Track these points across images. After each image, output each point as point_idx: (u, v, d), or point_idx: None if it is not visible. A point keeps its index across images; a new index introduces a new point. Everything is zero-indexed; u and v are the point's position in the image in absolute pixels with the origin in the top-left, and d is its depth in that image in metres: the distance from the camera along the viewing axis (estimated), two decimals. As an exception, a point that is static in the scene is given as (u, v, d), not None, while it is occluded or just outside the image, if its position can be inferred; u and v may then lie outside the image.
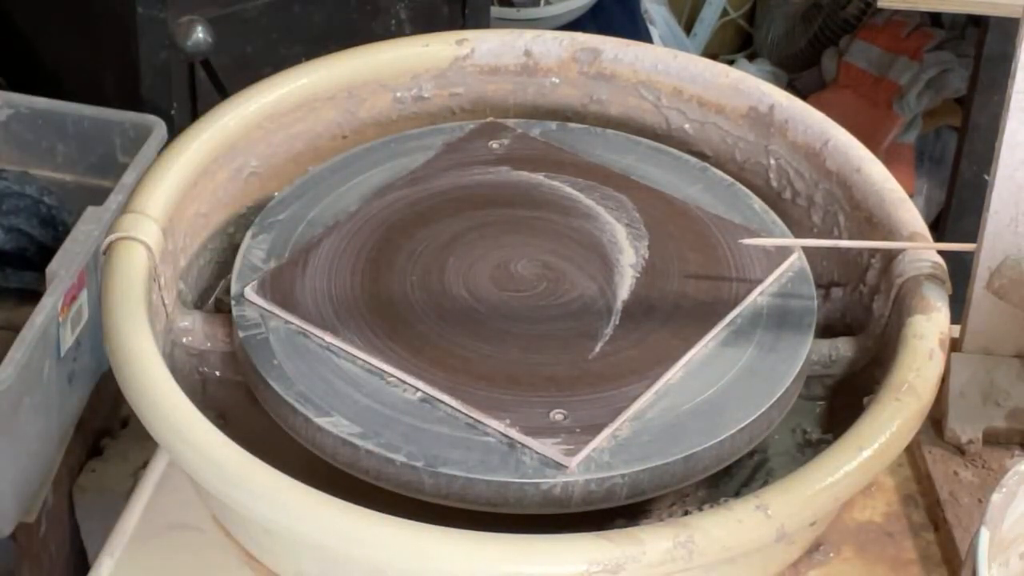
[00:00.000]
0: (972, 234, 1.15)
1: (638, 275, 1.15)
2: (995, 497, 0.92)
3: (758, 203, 1.24)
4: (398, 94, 1.30)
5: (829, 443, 1.02)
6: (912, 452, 1.15)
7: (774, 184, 1.27)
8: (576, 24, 2.78)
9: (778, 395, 1.08)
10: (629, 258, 1.17)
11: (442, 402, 1.05)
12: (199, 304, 1.21)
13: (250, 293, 1.12)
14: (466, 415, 1.04)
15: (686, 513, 1.05)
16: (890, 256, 1.15)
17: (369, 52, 1.30)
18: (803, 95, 2.78)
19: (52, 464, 1.56)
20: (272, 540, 1.03)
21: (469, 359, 1.08)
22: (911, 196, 1.20)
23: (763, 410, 1.06)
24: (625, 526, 0.97)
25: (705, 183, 1.25)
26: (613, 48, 1.31)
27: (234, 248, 1.19)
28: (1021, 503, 0.94)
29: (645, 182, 1.24)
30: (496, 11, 2.69)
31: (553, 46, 1.31)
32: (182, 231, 1.17)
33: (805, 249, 1.19)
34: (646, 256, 1.17)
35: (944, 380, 1.11)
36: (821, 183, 1.24)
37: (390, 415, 1.04)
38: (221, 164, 1.21)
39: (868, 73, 2.84)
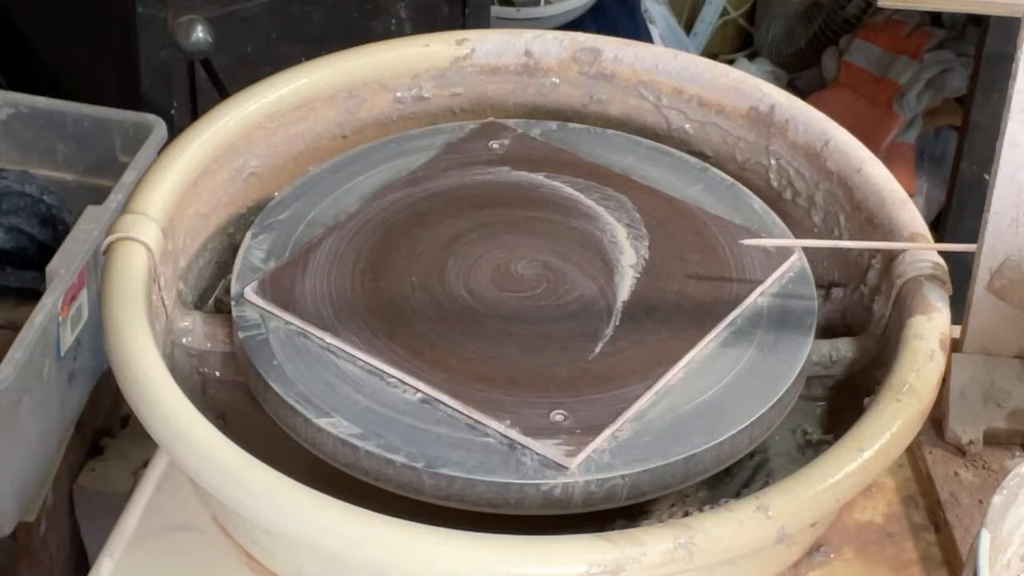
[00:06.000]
0: (972, 234, 1.15)
1: (638, 275, 1.15)
2: (996, 499, 0.92)
3: (759, 203, 1.24)
4: (398, 94, 1.30)
5: (829, 444, 1.02)
6: (913, 453, 1.15)
7: (774, 184, 1.27)
8: (576, 24, 2.78)
9: (779, 396, 1.07)
10: (629, 258, 1.17)
11: (442, 403, 1.05)
12: (199, 304, 1.21)
13: (250, 293, 1.12)
14: (466, 416, 1.04)
15: (687, 514, 1.05)
16: (891, 256, 1.15)
17: (369, 52, 1.30)
18: (803, 95, 2.78)
19: (52, 463, 1.56)
20: (272, 541, 1.02)
21: (469, 360, 1.08)
22: (911, 196, 1.20)
23: (764, 411, 1.06)
24: (625, 527, 0.97)
25: (705, 183, 1.25)
26: (613, 48, 1.31)
27: (234, 248, 1.19)
28: (1022, 505, 0.94)
29: (645, 182, 1.24)
30: (496, 11, 2.69)
31: (553, 46, 1.31)
32: (182, 231, 1.17)
33: (806, 249, 1.19)
34: (646, 256, 1.17)
35: (945, 381, 1.11)
36: (822, 183, 1.24)
37: (390, 416, 1.04)
38: (221, 164, 1.21)
39: (868, 73, 2.84)
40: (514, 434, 1.03)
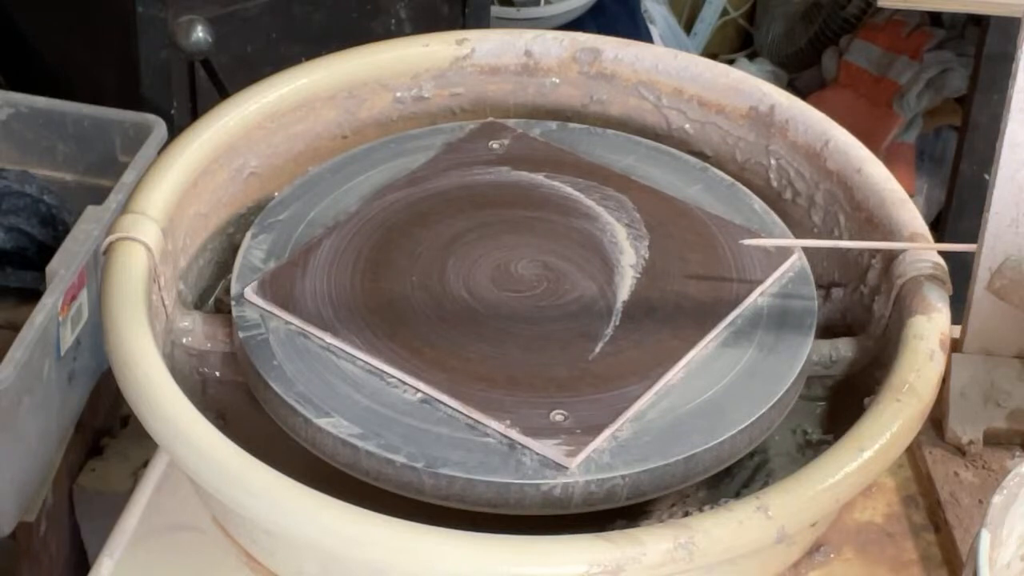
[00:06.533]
0: (972, 234, 1.15)
1: (638, 275, 1.15)
2: (996, 499, 0.92)
3: (759, 203, 1.24)
4: (398, 94, 1.30)
5: (829, 444, 1.02)
6: (913, 453, 1.15)
7: (774, 184, 1.27)
8: (576, 24, 2.78)
9: (778, 396, 1.07)
10: (629, 258, 1.17)
11: (442, 403, 1.05)
12: (199, 304, 1.21)
13: (250, 293, 1.12)
14: (466, 416, 1.04)
15: (686, 514, 1.05)
16: (891, 256, 1.15)
17: (369, 52, 1.30)
18: (803, 95, 2.78)
19: (52, 464, 1.56)
20: (272, 541, 1.02)
21: (469, 360, 1.08)
22: (911, 196, 1.20)
23: (764, 411, 1.06)
24: (625, 527, 0.97)
25: (705, 183, 1.25)
26: (613, 48, 1.31)
27: (234, 248, 1.19)
28: (1022, 505, 0.93)
29: (645, 182, 1.24)
30: (496, 11, 2.69)
31: (553, 46, 1.31)
32: (182, 231, 1.17)
33: (806, 249, 1.19)
34: (646, 256, 1.17)
35: (945, 381, 1.11)
36: (822, 183, 1.24)
37: (390, 416, 1.04)
38: (221, 164, 1.21)
39: (868, 73, 2.84)
40: (514, 434, 1.03)
